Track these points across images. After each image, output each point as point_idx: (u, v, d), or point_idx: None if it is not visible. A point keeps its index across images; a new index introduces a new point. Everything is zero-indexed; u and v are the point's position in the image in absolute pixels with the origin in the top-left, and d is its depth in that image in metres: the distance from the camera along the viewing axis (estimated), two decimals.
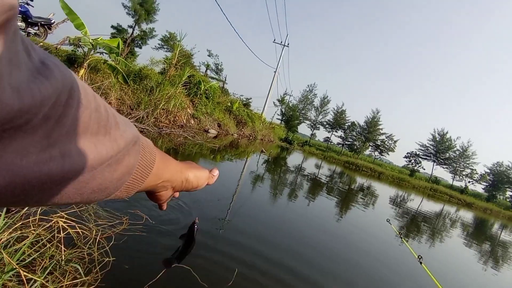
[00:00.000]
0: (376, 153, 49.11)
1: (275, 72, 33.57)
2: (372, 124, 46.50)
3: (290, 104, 47.95)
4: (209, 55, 30.27)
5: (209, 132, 13.03)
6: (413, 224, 8.05)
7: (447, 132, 44.73)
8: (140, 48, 21.44)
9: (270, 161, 12.28)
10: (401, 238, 4.18)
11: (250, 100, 27.42)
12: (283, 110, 47.25)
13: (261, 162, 10.95)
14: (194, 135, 10.23)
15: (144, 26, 20.80)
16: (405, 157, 48.73)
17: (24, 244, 1.51)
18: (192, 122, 12.32)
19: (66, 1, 7.30)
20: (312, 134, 51.06)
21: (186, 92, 12.36)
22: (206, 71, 27.68)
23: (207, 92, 14.02)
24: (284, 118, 47.01)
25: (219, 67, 30.44)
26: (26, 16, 7.76)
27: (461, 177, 44.64)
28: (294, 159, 18.97)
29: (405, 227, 7.23)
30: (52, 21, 8.73)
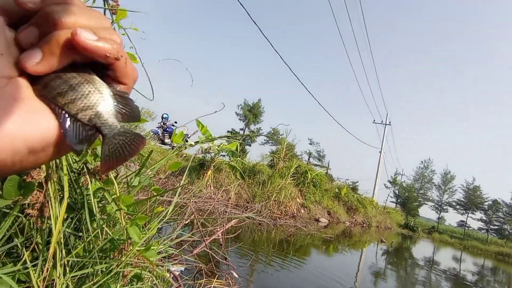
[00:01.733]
0: None
1: (380, 152, 31.89)
2: None
3: (404, 184, 42.80)
4: (310, 144, 31.76)
5: (320, 221, 12.58)
6: None
7: None
8: (250, 146, 24.47)
9: (392, 252, 10.76)
10: None
11: (356, 184, 26.11)
12: (397, 191, 42.25)
13: (380, 253, 9.69)
14: (305, 224, 10.06)
15: (252, 127, 24.17)
16: None
17: None
18: (302, 211, 12.27)
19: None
20: (439, 218, 42.51)
21: (294, 182, 12.80)
22: (308, 159, 28.66)
23: (314, 180, 14.17)
24: (399, 200, 41.59)
25: (321, 153, 31.15)
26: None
27: None
28: (421, 249, 15.89)
29: None
30: (189, 136, 11.30)
